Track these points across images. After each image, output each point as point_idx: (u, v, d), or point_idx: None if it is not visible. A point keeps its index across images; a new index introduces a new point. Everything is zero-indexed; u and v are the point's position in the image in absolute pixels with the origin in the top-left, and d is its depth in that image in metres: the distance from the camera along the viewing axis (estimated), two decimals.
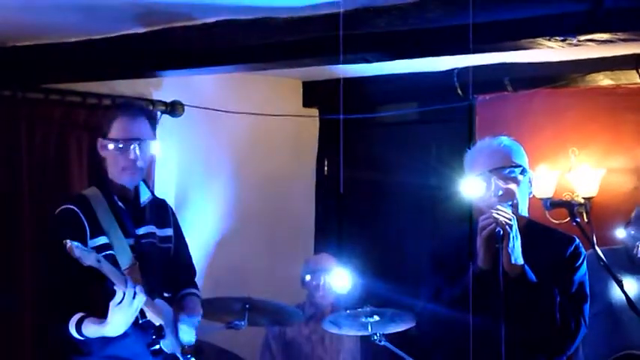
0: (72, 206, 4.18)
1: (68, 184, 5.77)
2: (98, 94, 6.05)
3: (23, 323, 5.64)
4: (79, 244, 3.78)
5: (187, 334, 4.40)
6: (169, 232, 4.55)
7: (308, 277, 6.19)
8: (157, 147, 4.37)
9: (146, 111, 4.58)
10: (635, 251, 5.12)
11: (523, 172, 3.84)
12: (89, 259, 3.80)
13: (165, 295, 4.40)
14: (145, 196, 4.44)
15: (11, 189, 5.68)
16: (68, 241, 3.72)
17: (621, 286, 3.94)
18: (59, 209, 4.20)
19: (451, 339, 3.81)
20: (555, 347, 3.81)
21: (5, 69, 5.65)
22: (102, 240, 4.17)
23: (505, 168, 3.79)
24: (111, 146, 4.24)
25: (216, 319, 5.59)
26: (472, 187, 3.79)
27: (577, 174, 6.38)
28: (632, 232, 5.17)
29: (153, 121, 4.41)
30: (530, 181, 3.89)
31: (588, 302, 3.83)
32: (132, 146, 4.24)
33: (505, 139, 3.90)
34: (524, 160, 3.89)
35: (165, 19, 4.76)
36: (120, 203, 4.31)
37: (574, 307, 3.74)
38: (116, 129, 4.25)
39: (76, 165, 5.90)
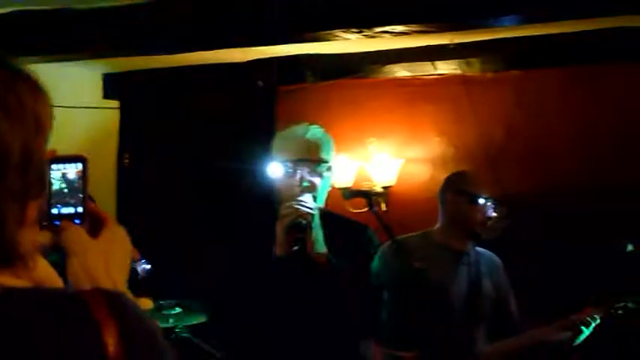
0: None
1: None
2: None
3: None
4: None
5: None
6: None
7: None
8: None
9: None
10: None
11: (329, 168, 3.82)
12: None
13: None
14: None
15: None
16: None
17: (418, 272, 4.03)
18: None
19: (248, 327, 3.81)
20: (359, 329, 3.85)
21: None
22: None
23: (313, 161, 3.75)
24: None
25: None
26: (276, 172, 3.73)
27: (375, 164, 6.49)
28: None
29: None
30: (331, 175, 3.88)
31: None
32: None
33: (317, 131, 3.79)
34: (331, 155, 3.83)
35: None
36: None
37: (373, 292, 3.81)
38: None
39: None
